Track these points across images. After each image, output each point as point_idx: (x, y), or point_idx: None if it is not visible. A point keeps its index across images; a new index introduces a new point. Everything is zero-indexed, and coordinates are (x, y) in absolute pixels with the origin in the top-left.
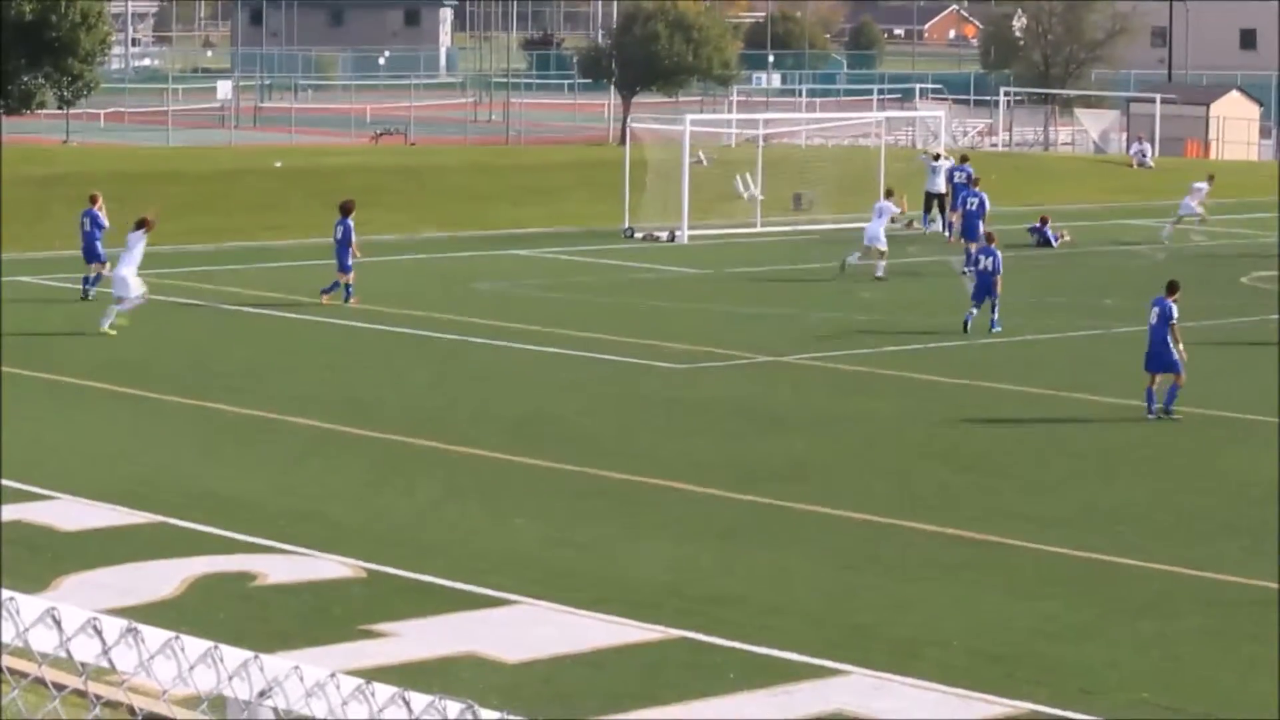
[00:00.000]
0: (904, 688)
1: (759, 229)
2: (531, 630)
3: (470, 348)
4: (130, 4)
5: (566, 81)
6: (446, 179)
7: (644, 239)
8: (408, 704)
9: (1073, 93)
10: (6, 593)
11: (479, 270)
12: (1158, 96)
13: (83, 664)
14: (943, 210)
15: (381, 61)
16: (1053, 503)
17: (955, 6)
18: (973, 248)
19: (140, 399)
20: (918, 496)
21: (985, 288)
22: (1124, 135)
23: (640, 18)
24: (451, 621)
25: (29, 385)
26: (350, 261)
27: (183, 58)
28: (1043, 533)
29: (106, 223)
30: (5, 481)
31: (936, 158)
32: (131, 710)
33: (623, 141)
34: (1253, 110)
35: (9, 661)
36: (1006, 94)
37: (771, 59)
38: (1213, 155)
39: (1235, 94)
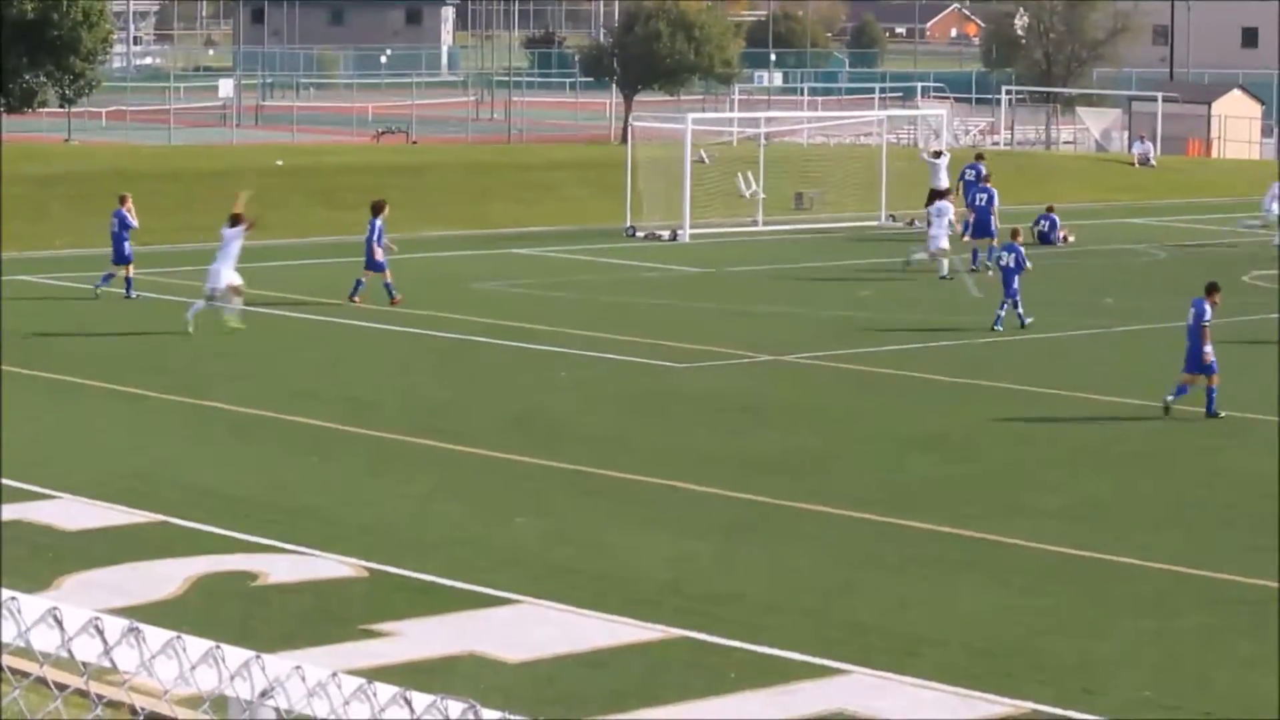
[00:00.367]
0: (905, 687)
1: (760, 228)
2: (533, 629)
3: (472, 346)
4: (132, 2)
5: (568, 80)
6: (448, 177)
7: (646, 238)
8: (409, 704)
9: (1074, 91)
10: (8, 592)
11: (480, 269)
12: (1159, 95)
13: (84, 664)
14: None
15: (383, 60)
16: (1053, 500)
17: (957, 5)
18: (981, 245)
19: (141, 398)
20: (917, 494)
21: (1011, 284)
22: (1125, 134)
23: (642, 16)
24: (453, 621)
25: (29, 384)
26: (382, 259)
27: (184, 56)
28: (1043, 531)
29: (135, 222)
30: (6, 481)
31: (937, 155)
32: (133, 710)
33: (624, 140)
34: (1254, 109)
35: (10, 661)
36: (1008, 92)
37: (773, 57)
38: (1214, 154)
39: (1237, 93)
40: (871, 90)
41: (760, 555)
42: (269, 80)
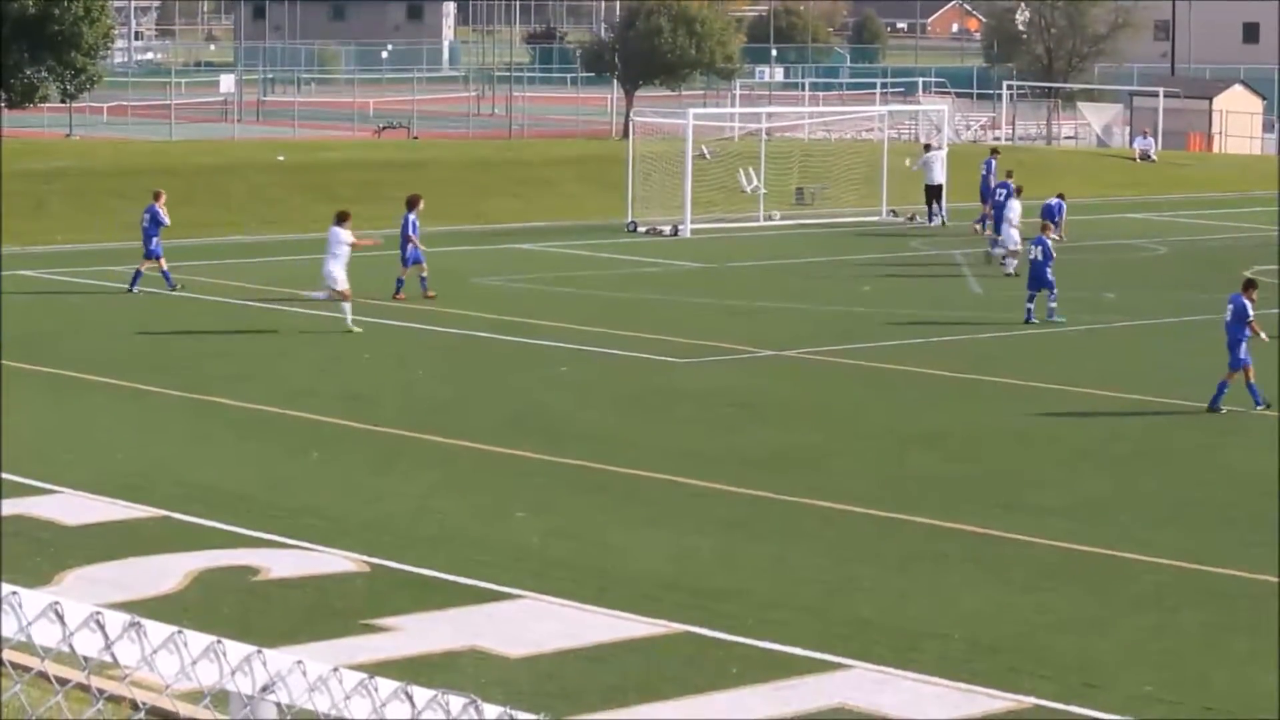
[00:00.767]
0: (906, 682)
1: (762, 223)
2: (533, 624)
3: (472, 342)
4: None
5: (569, 75)
6: (449, 173)
7: (647, 233)
8: (410, 699)
9: (1075, 86)
10: (9, 587)
11: (481, 264)
12: (1160, 90)
13: (85, 658)
14: (939, 201)
15: (384, 55)
16: (1053, 496)
17: (958, 0)
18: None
19: (141, 393)
20: (918, 490)
21: (1039, 277)
22: (1127, 129)
23: (643, 11)
24: (454, 616)
25: (30, 380)
26: (420, 253)
27: (185, 51)
28: (1044, 526)
29: (166, 219)
30: (6, 476)
31: (927, 149)
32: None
33: (625, 135)
34: (1255, 104)
35: (11, 656)
36: (1009, 88)
37: (774, 53)
38: (1215, 149)
39: (1238, 88)
40: (873, 85)
41: (761, 551)
42: (270, 76)
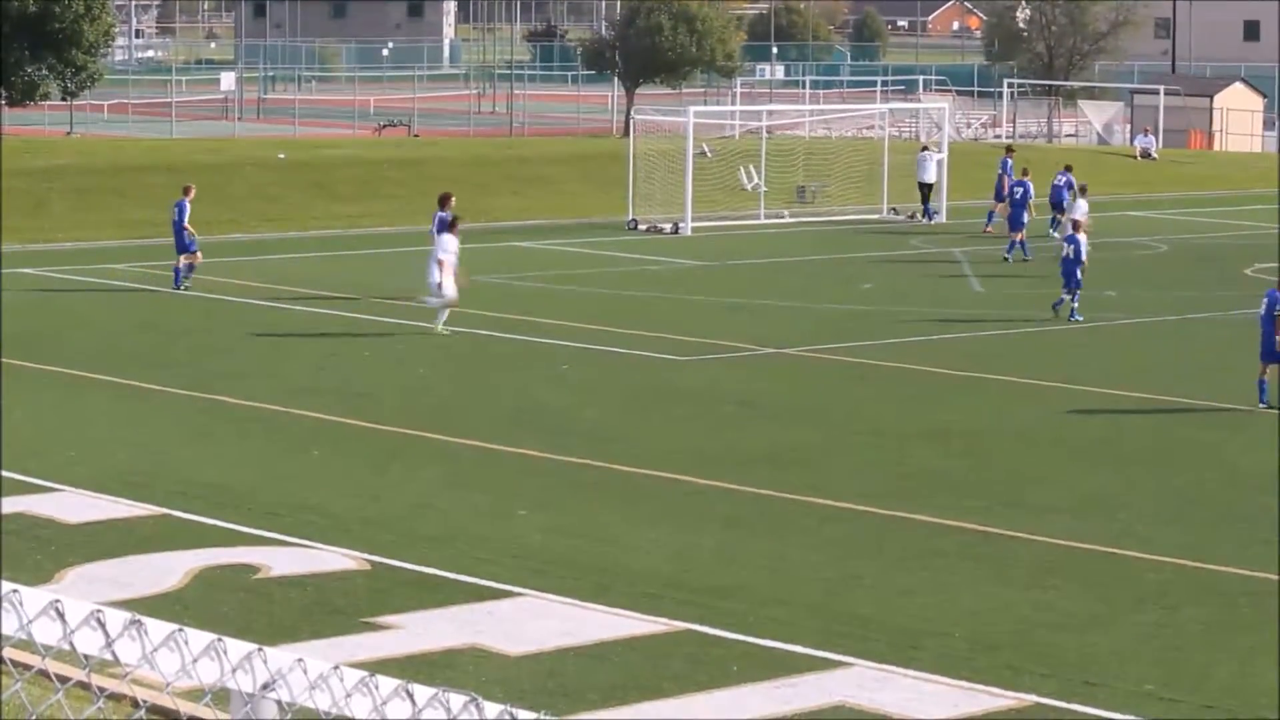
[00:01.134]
0: (906, 679)
1: (762, 221)
2: (534, 622)
3: (472, 340)
4: None
5: (570, 73)
6: (449, 171)
7: (647, 231)
8: (411, 697)
9: (1076, 84)
10: (9, 585)
11: (481, 262)
12: (1161, 88)
13: (86, 656)
14: (925, 199)
15: (385, 53)
16: (1054, 493)
17: None
18: (1017, 237)
19: (141, 391)
20: (919, 487)
21: (1070, 275)
22: (1127, 127)
23: (643, 9)
24: (454, 614)
25: (30, 378)
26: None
27: (186, 49)
28: (1045, 523)
29: (184, 216)
30: (7, 474)
31: (924, 149)
32: (135, 702)
33: (626, 133)
34: (1256, 102)
35: (12, 654)
36: (1010, 86)
37: (775, 50)
38: (1216, 147)
39: (1239, 85)
40: (873, 83)
41: (762, 548)
42: (270, 74)
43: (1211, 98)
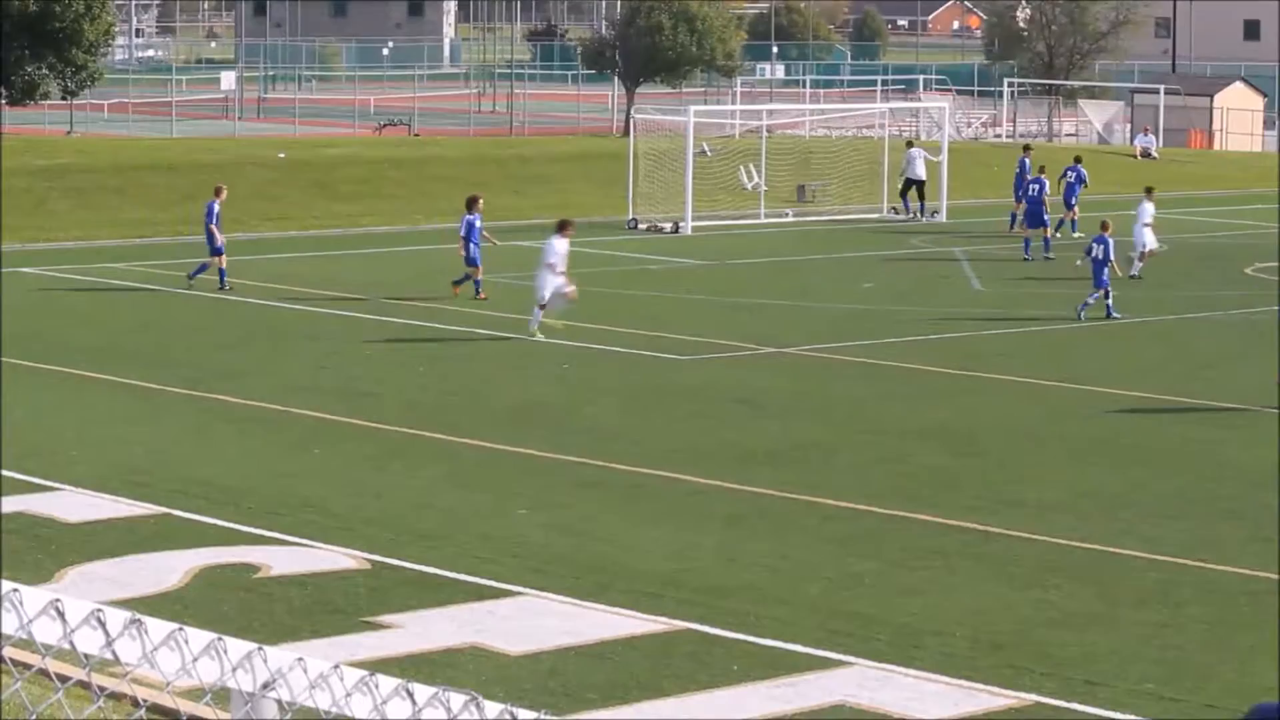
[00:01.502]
0: (907, 679)
1: (763, 220)
2: (534, 621)
3: (472, 339)
4: None
5: (570, 72)
6: (449, 170)
7: (648, 230)
8: (411, 696)
9: (1076, 84)
10: (9, 584)
11: (482, 261)
12: (1161, 88)
13: (86, 656)
14: (922, 197)
15: (385, 52)
16: (1054, 492)
17: None
18: (1034, 235)
19: (141, 390)
20: (919, 486)
21: (1099, 275)
22: (1128, 126)
23: (644, 9)
24: (455, 613)
25: (30, 376)
26: (477, 255)
27: (186, 49)
28: (1046, 522)
29: (213, 216)
30: (7, 473)
31: (910, 144)
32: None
33: (626, 132)
34: (1256, 101)
35: (12, 654)
36: (1010, 85)
37: (775, 50)
38: (1216, 146)
39: (1239, 85)
40: (873, 83)
41: (762, 547)
42: (271, 73)
43: (1211, 97)
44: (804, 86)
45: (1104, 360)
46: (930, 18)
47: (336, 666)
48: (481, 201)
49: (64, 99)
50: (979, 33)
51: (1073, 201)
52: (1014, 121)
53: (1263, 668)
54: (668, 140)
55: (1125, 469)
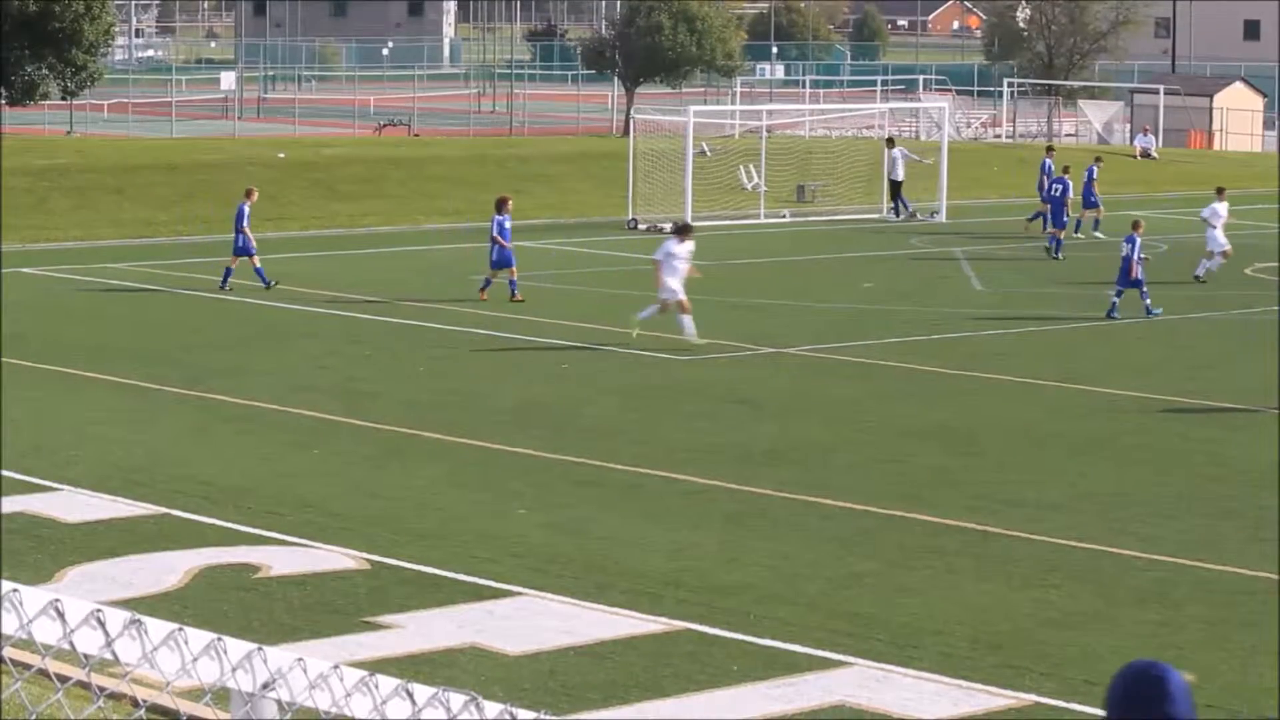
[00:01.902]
0: (906, 679)
1: (762, 220)
2: (534, 621)
3: (472, 338)
4: None
5: (570, 72)
6: (449, 170)
7: (648, 230)
8: (411, 696)
9: (1076, 84)
10: (9, 584)
11: (482, 261)
12: (1161, 88)
13: (86, 656)
14: (896, 196)
15: (385, 52)
16: (1053, 492)
17: None
18: (1060, 234)
19: (141, 390)
20: (919, 486)
21: (1128, 274)
22: (1127, 126)
23: (644, 9)
24: (454, 613)
25: (30, 376)
26: (510, 255)
27: (186, 49)
28: (1043, 522)
29: (243, 219)
30: (7, 473)
31: (891, 143)
32: (135, 702)
33: (626, 133)
34: (1256, 101)
35: (12, 654)
36: (1010, 85)
37: (775, 50)
38: (1216, 146)
39: (1239, 85)
40: (873, 83)
41: (762, 547)
42: (271, 73)
43: (1211, 97)
44: (804, 87)
45: (1104, 360)
46: (930, 18)
47: (336, 667)
48: (511, 203)
49: (64, 99)
50: (979, 33)
51: (1094, 200)
52: (1014, 122)
53: (1262, 668)
54: (667, 140)
55: (1125, 469)
